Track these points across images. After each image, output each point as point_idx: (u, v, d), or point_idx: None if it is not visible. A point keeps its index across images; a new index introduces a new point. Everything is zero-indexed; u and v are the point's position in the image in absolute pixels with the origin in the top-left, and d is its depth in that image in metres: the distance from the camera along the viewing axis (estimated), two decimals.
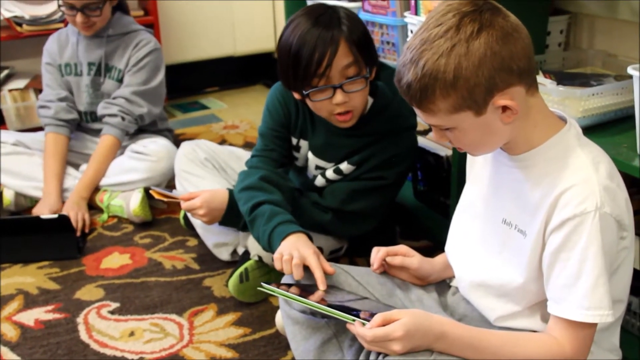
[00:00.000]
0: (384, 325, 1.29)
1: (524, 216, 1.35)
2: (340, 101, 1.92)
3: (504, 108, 1.26)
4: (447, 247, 1.59)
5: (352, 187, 2.09)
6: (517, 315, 1.42)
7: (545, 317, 1.35)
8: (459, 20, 1.23)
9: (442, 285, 1.65)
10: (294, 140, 2.17)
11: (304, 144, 2.17)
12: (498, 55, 1.22)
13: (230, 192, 2.10)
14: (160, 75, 2.87)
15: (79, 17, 2.69)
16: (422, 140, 2.42)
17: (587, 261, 1.25)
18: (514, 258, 1.38)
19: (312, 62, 1.86)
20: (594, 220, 1.24)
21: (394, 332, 1.28)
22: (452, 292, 1.61)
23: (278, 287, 1.51)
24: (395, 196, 2.23)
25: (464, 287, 1.54)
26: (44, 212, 2.60)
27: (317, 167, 2.17)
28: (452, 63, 1.22)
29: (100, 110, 2.81)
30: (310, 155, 2.16)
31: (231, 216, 2.10)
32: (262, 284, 1.52)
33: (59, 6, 2.73)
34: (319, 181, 2.16)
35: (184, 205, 2.11)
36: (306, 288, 1.55)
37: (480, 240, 1.48)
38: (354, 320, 1.34)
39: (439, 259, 1.65)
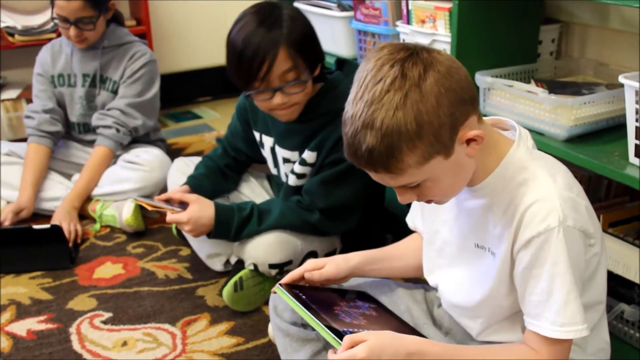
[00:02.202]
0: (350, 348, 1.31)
1: (492, 239, 1.36)
2: (280, 102, 1.96)
3: (469, 141, 1.24)
4: (424, 271, 1.59)
5: (320, 179, 2.08)
6: (496, 330, 1.44)
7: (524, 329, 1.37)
8: (401, 67, 1.19)
9: (431, 296, 1.65)
10: (257, 135, 2.24)
11: (266, 139, 2.21)
12: (451, 90, 1.20)
13: (217, 206, 2.08)
14: (155, 87, 2.87)
15: (72, 31, 2.68)
16: None
17: (556, 277, 1.26)
18: (481, 278, 1.40)
19: (253, 67, 1.89)
20: (559, 236, 1.25)
21: (357, 354, 1.29)
22: (438, 305, 1.62)
23: (290, 294, 1.50)
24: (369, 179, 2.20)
25: (445, 306, 1.56)
26: (8, 210, 2.61)
27: (285, 161, 2.18)
28: (410, 112, 1.17)
29: (95, 121, 2.80)
30: (277, 148, 2.18)
31: (220, 231, 2.08)
32: (279, 285, 1.53)
33: (53, 18, 2.72)
34: (292, 180, 2.17)
35: (169, 217, 2.07)
36: (317, 291, 1.56)
37: (454, 266, 1.48)
38: (339, 345, 1.34)
39: (357, 257, 1.64)
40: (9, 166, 2.78)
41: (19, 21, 3.39)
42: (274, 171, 2.28)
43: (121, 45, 2.83)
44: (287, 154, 2.17)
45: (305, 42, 1.95)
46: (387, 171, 1.22)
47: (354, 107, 1.22)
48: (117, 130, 2.76)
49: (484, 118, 1.34)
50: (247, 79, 1.92)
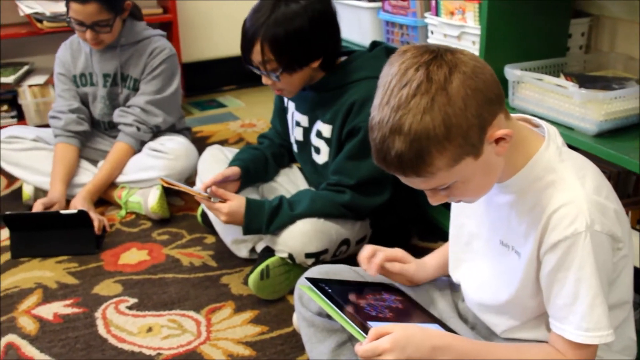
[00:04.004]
0: (376, 339, 1.31)
1: (517, 237, 1.35)
2: (266, 82, 2.11)
3: (498, 140, 1.23)
4: (450, 267, 1.58)
5: (345, 156, 2.11)
6: (521, 328, 1.44)
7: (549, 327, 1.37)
8: (426, 71, 1.18)
9: (458, 289, 1.65)
10: (285, 100, 2.36)
11: (291, 104, 2.31)
12: (477, 90, 1.19)
13: (248, 199, 2.11)
14: (176, 83, 2.86)
15: (88, 34, 2.66)
16: None
17: (582, 282, 1.26)
18: (507, 278, 1.39)
19: (242, 49, 2.06)
20: (586, 241, 1.24)
21: (382, 346, 1.29)
22: (462, 299, 1.61)
23: (316, 288, 1.51)
24: None
25: (468, 302, 1.56)
26: (39, 203, 2.61)
27: (297, 124, 2.25)
28: (438, 116, 1.16)
29: (116, 117, 2.82)
30: (295, 113, 2.27)
31: (252, 222, 2.09)
32: (306, 280, 1.53)
33: (68, 22, 2.69)
34: (315, 157, 2.23)
35: (209, 203, 2.10)
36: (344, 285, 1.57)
37: (479, 262, 1.48)
38: (364, 338, 1.35)
39: (432, 261, 1.65)
40: (36, 152, 2.80)
41: (47, 7, 3.41)
42: (291, 139, 2.34)
43: (139, 42, 2.81)
44: (299, 116, 2.25)
45: (282, 44, 1.99)
46: (417, 175, 1.22)
47: (380, 112, 1.21)
48: (138, 129, 2.77)
49: (512, 115, 1.33)
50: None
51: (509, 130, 1.23)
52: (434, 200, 1.30)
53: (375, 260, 1.56)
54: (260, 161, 2.36)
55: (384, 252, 1.58)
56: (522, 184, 1.31)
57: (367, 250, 1.58)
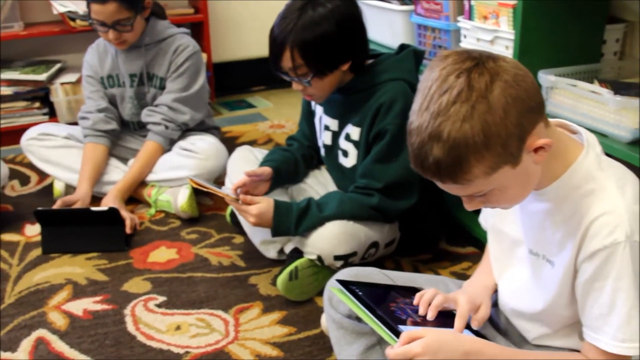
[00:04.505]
0: (407, 343, 1.31)
1: (550, 247, 1.34)
2: (296, 88, 2.12)
3: (537, 149, 1.22)
4: (495, 273, 1.57)
5: (372, 158, 2.12)
6: (553, 336, 1.43)
7: (582, 336, 1.35)
8: (467, 78, 1.17)
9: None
10: (312, 104, 2.37)
11: (318, 108, 2.33)
12: (518, 99, 1.18)
13: (276, 201, 2.11)
14: (201, 79, 2.87)
15: (111, 34, 2.67)
16: None
17: (619, 292, 1.25)
18: (543, 286, 1.38)
19: (270, 56, 2.07)
20: (625, 251, 1.23)
21: (412, 350, 1.29)
22: (493, 304, 1.60)
23: (347, 290, 1.50)
24: None
25: (502, 307, 1.55)
26: (60, 201, 2.63)
27: (326, 128, 2.26)
28: (478, 124, 1.15)
29: (144, 117, 2.83)
30: (323, 117, 2.28)
31: (280, 224, 2.10)
32: (336, 282, 1.52)
33: (91, 23, 2.71)
34: (343, 160, 2.23)
35: (237, 205, 2.10)
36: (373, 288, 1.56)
37: (518, 268, 1.47)
38: (395, 342, 1.34)
39: (487, 280, 1.58)
40: (68, 149, 2.83)
41: (80, 6, 3.44)
42: (319, 142, 2.34)
43: (163, 40, 2.81)
44: (328, 120, 2.25)
45: (313, 48, 2.00)
46: (454, 182, 1.21)
47: (419, 117, 1.20)
48: (166, 127, 2.79)
49: (550, 120, 1.32)
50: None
51: (549, 139, 1.22)
52: (470, 206, 1.30)
53: (434, 304, 1.48)
54: (290, 163, 2.37)
55: (439, 300, 1.48)
56: (560, 192, 1.30)
57: (438, 300, 1.48)
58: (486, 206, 1.31)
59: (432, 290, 1.50)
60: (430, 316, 1.46)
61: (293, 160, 2.38)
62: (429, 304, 1.47)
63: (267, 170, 2.25)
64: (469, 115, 1.15)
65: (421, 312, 1.48)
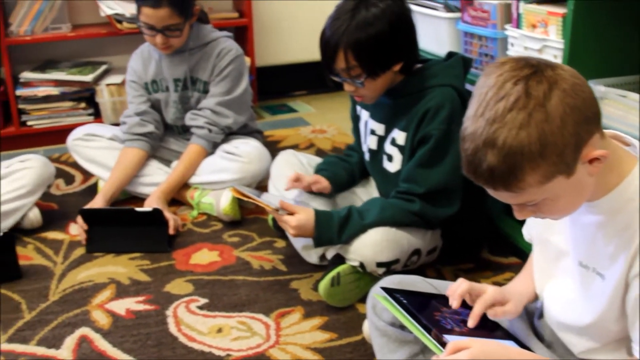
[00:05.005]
0: (454, 353, 1.30)
1: (601, 259, 1.32)
2: (348, 90, 2.12)
3: (592, 160, 1.20)
4: (537, 283, 1.55)
5: (415, 163, 2.12)
6: (600, 350, 1.40)
7: (631, 352, 1.33)
8: (525, 86, 1.16)
9: (530, 306, 1.62)
10: (358, 109, 2.37)
11: (364, 113, 2.32)
12: (576, 109, 1.16)
13: (317, 210, 2.11)
14: (244, 83, 2.88)
15: (158, 38, 2.70)
16: None
17: None
18: (592, 300, 1.36)
19: (323, 58, 2.07)
20: None
21: None
22: (538, 316, 1.58)
23: (392, 298, 1.50)
24: (459, 157, 2.14)
25: (548, 319, 1.52)
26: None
27: (372, 132, 2.25)
28: (534, 133, 1.14)
29: (188, 120, 2.85)
30: (369, 121, 2.27)
31: (322, 233, 2.10)
32: (381, 289, 1.52)
33: (139, 26, 2.74)
34: (387, 165, 2.23)
35: (278, 215, 2.10)
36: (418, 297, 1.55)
37: (565, 280, 1.45)
38: (440, 352, 1.34)
39: (528, 289, 1.57)
40: (112, 150, 2.86)
41: (127, 9, 3.48)
42: (364, 147, 2.34)
43: (207, 44, 2.83)
44: (374, 125, 2.24)
45: (366, 49, 2.00)
46: (507, 190, 1.21)
47: (474, 123, 1.19)
48: (209, 131, 2.80)
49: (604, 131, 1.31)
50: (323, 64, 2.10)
51: (606, 151, 1.20)
52: (520, 215, 1.28)
53: (479, 306, 1.47)
54: (350, 175, 2.41)
55: (485, 300, 1.46)
56: (614, 205, 1.28)
57: (462, 287, 1.48)
58: (537, 216, 1.30)
59: (460, 279, 1.50)
60: (455, 305, 1.45)
61: (350, 171, 2.41)
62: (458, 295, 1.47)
63: (327, 187, 2.32)
64: (526, 123, 1.15)
65: (452, 303, 1.47)
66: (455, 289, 1.48)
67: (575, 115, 1.16)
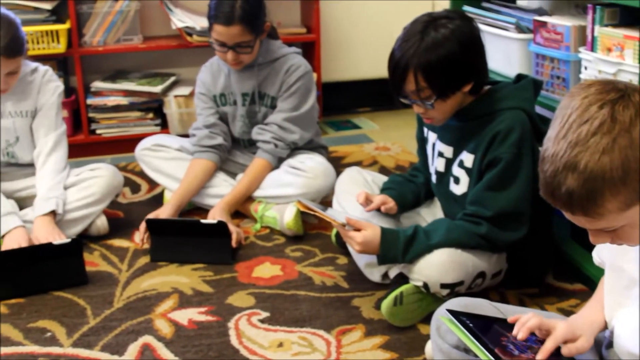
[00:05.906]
0: None
1: None
2: (417, 111, 2.13)
3: None
4: (606, 310, 1.50)
5: (484, 186, 2.09)
6: None
7: None
8: (611, 110, 1.14)
9: (599, 334, 1.58)
10: (425, 131, 2.36)
11: (431, 135, 2.31)
12: None
13: (383, 228, 2.10)
14: (312, 99, 2.89)
15: (230, 55, 2.72)
16: None
17: None
18: None
19: (392, 80, 2.07)
20: None
21: None
22: (606, 345, 1.54)
23: (457, 321, 1.48)
24: (528, 181, 2.09)
25: (617, 349, 1.48)
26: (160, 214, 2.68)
27: (440, 154, 2.23)
28: (618, 158, 1.13)
29: (255, 135, 2.88)
30: (437, 143, 2.26)
31: (387, 251, 2.08)
32: (446, 311, 1.50)
33: (210, 43, 2.77)
34: (454, 187, 2.21)
35: (343, 230, 2.10)
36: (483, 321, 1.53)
37: (627, 309, 1.41)
38: None
39: (594, 316, 1.52)
40: (180, 161, 2.90)
41: (198, 22, 3.54)
42: (431, 169, 2.32)
43: (276, 60, 2.85)
44: (442, 147, 2.23)
45: (436, 71, 1.99)
46: (585, 215, 1.19)
47: (555, 145, 1.18)
48: (275, 146, 2.82)
49: None
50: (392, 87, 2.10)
51: None
52: (596, 241, 1.27)
53: (527, 324, 1.43)
54: (415, 196, 2.41)
55: (555, 339, 1.41)
56: None
57: (533, 322, 1.43)
58: (613, 242, 1.27)
59: (530, 313, 1.46)
60: (521, 337, 1.41)
61: (416, 192, 2.41)
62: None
63: (394, 208, 2.31)
64: (610, 148, 1.13)
65: (516, 333, 1.42)
66: (525, 322, 1.44)
67: None
